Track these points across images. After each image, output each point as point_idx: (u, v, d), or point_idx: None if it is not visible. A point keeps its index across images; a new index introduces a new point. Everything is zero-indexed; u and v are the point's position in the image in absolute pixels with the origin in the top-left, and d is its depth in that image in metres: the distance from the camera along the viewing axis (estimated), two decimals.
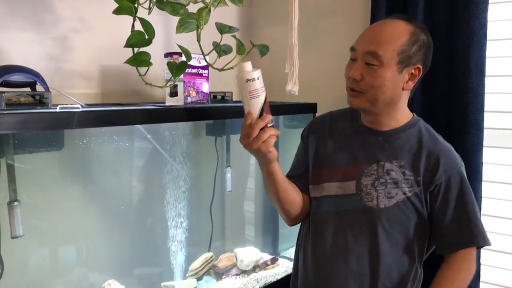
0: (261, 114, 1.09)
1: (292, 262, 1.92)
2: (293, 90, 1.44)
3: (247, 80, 1.08)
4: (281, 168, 1.21)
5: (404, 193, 1.16)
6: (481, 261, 1.54)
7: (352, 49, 1.19)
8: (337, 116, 1.34)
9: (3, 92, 1.13)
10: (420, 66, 1.17)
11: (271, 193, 1.26)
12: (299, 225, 1.37)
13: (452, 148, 1.22)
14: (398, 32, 1.14)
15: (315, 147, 1.31)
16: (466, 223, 1.17)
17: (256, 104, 1.09)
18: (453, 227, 1.17)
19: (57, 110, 1.08)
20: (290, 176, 1.31)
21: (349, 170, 1.22)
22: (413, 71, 1.16)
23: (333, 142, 1.29)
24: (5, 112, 1.00)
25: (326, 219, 1.24)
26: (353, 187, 1.20)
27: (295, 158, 1.38)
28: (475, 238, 1.17)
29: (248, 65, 1.09)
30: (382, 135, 1.22)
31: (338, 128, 1.31)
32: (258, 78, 1.09)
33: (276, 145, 1.14)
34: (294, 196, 1.25)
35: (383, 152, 1.20)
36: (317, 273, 1.25)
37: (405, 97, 1.21)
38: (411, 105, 1.58)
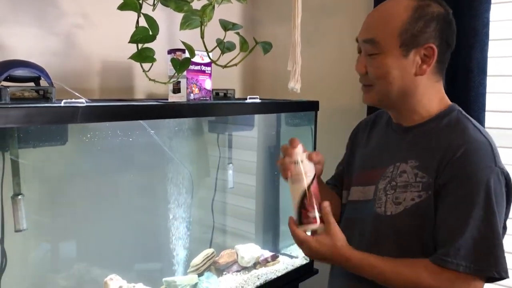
0: (302, 200, 0.96)
1: (292, 259, 1.93)
2: (296, 87, 1.45)
3: (292, 162, 0.99)
4: None
5: (413, 199, 0.97)
6: None
7: (357, 41, 1.07)
8: (382, 115, 1.20)
9: (8, 86, 1.14)
10: (433, 45, 0.98)
11: None
12: None
13: (486, 145, 0.96)
14: (398, 11, 0.98)
15: (353, 150, 1.23)
16: (466, 236, 0.89)
17: (296, 190, 0.98)
18: (445, 231, 0.93)
19: (62, 104, 1.09)
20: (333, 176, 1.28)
21: (372, 174, 1.08)
22: (424, 51, 0.98)
23: (369, 143, 1.17)
24: (10, 106, 1.01)
25: (344, 226, 1.09)
26: (371, 192, 1.06)
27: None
28: (479, 260, 0.89)
29: (297, 148, 1.00)
30: (406, 131, 1.06)
31: (377, 129, 1.18)
32: (301, 162, 0.98)
33: (277, 143, 1.14)
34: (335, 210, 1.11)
35: (401, 152, 1.04)
36: (333, 284, 1.19)
37: (424, 84, 1.01)
38: None
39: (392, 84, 1.00)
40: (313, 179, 0.98)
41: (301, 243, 0.98)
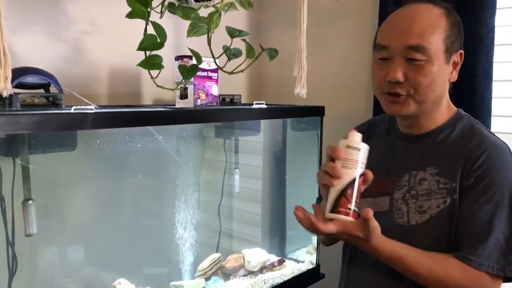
0: (344, 190, 0.90)
1: (298, 263, 1.94)
2: (301, 93, 1.45)
3: (347, 146, 0.91)
4: (289, 170, 1.15)
5: (438, 206, 0.96)
6: None
7: (382, 47, 1.00)
8: (376, 124, 1.21)
9: (18, 93, 1.16)
10: (462, 51, 1.01)
11: None
12: None
13: (507, 149, 0.99)
14: (435, 17, 0.97)
15: None
16: (492, 238, 0.91)
17: (343, 176, 0.90)
18: (472, 231, 0.93)
19: (72, 111, 1.11)
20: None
21: (382, 184, 1.04)
22: (455, 58, 1.00)
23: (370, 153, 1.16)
24: (21, 113, 1.03)
25: None
26: (386, 203, 1.03)
27: None
28: (505, 263, 0.90)
29: (357, 135, 0.93)
30: (417, 139, 1.05)
31: (376, 138, 1.16)
32: (359, 150, 0.91)
33: (283, 148, 1.13)
34: None
35: (416, 160, 1.03)
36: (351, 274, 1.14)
37: (447, 90, 1.04)
38: None
39: (434, 92, 0.98)
40: (362, 173, 0.92)
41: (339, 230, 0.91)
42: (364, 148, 0.92)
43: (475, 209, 0.93)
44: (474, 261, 0.91)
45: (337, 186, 0.90)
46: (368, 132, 1.18)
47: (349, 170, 0.90)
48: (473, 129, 1.02)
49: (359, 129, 1.17)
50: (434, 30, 0.96)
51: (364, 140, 1.00)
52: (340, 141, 0.93)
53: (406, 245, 0.95)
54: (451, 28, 0.98)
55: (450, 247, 0.96)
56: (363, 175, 0.92)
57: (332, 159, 0.92)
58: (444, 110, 1.05)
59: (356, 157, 0.90)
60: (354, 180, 0.90)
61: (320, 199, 1.19)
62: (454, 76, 1.01)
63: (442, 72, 0.98)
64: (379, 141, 1.14)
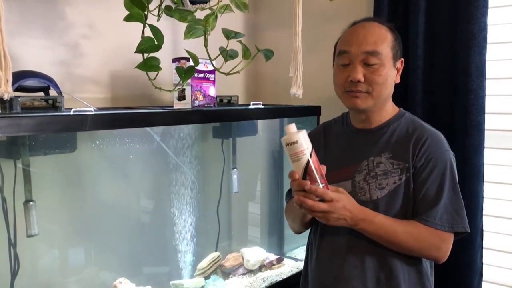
0: (304, 177, 1.06)
1: (297, 262, 1.96)
2: (297, 93, 1.47)
3: (286, 145, 1.06)
4: (287, 170, 1.21)
5: (395, 182, 1.18)
6: (484, 261, 1.57)
7: (344, 52, 1.21)
8: (330, 125, 1.39)
9: (19, 96, 1.18)
10: (402, 58, 1.25)
11: (294, 220, 1.31)
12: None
13: (441, 135, 1.23)
14: (384, 31, 1.21)
15: None
16: (442, 203, 1.15)
17: (297, 167, 1.06)
18: (427, 200, 1.16)
19: (71, 113, 1.13)
20: (290, 190, 1.33)
21: (343, 171, 1.25)
22: (398, 64, 1.24)
23: (328, 149, 1.32)
24: (21, 115, 1.05)
25: None
26: (349, 186, 1.22)
27: None
28: (452, 221, 1.14)
29: (291, 128, 1.07)
30: (371, 132, 1.26)
31: (332, 136, 1.35)
32: (296, 141, 1.05)
33: (281, 149, 1.16)
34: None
35: (373, 148, 1.23)
36: (322, 274, 1.26)
37: (393, 89, 1.26)
38: (413, 107, 1.63)
39: (387, 89, 1.21)
40: (311, 152, 1.07)
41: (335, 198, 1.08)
42: (302, 136, 1.06)
43: (428, 183, 1.17)
44: (431, 222, 1.14)
45: (300, 176, 1.06)
46: (324, 134, 1.37)
47: (298, 162, 1.05)
48: (414, 121, 1.26)
49: (314, 132, 1.39)
50: (384, 40, 1.19)
51: (322, 142, 1.31)
52: (283, 140, 1.07)
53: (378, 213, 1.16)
54: (395, 40, 1.22)
55: (405, 216, 1.17)
56: (312, 152, 1.07)
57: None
58: (390, 108, 1.28)
59: (298, 148, 1.05)
60: (307, 164, 1.05)
61: (289, 192, 1.37)
62: (398, 78, 1.25)
63: (391, 74, 1.21)
64: (337, 138, 1.33)
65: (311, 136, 1.34)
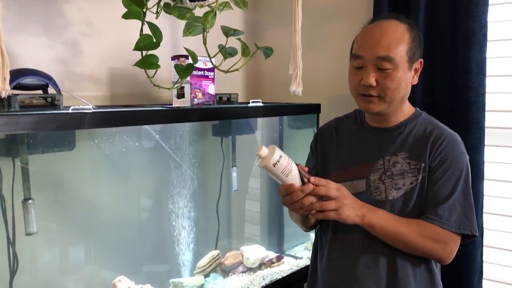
0: (303, 182, 1.07)
1: (297, 260, 1.96)
2: (297, 91, 1.47)
3: (274, 165, 1.04)
4: None
5: (411, 183, 1.17)
6: (484, 259, 1.56)
7: (358, 56, 1.18)
8: (343, 121, 1.37)
9: (17, 94, 1.17)
10: (421, 59, 1.21)
11: (301, 222, 1.32)
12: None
13: (458, 137, 1.22)
14: (401, 32, 1.16)
15: (324, 153, 1.33)
16: (451, 203, 1.14)
17: (294, 178, 1.07)
18: (436, 198, 1.15)
19: (70, 111, 1.12)
20: None
21: (357, 170, 1.23)
22: (416, 65, 1.20)
23: (341, 145, 1.31)
24: (20, 113, 1.04)
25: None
26: (363, 185, 1.21)
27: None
28: (460, 223, 1.13)
29: (264, 152, 1.04)
30: (388, 131, 1.24)
31: (345, 132, 1.33)
32: (280, 156, 1.04)
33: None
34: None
35: (389, 147, 1.22)
36: (334, 274, 1.25)
37: (409, 91, 1.23)
38: (414, 105, 1.62)
39: (400, 94, 1.18)
40: (293, 162, 1.08)
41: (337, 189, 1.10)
42: (277, 149, 1.05)
43: (440, 183, 1.16)
44: (438, 220, 1.13)
45: (297, 184, 1.07)
46: (336, 129, 1.35)
47: (291, 173, 1.06)
48: (432, 122, 1.25)
49: (326, 127, 1.39)
50: (399, 43, 1.15)
51: (334, 137, 1.31)
52: (266, 165, 1.05)
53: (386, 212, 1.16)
54: (413, 41, 1.17)
55: (419, 217, 1.16)
56: (292, 162, 1.08)
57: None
58: (407, 108, 1.26)
59: (285, 162, 1.05)
60: (299, 171, 1.08)
61: None
62: (415, 80, 1.22)
63: (406, 78, 1.17)
64: (350, 135, 1.32)
65: (323, 131, 1.39)
